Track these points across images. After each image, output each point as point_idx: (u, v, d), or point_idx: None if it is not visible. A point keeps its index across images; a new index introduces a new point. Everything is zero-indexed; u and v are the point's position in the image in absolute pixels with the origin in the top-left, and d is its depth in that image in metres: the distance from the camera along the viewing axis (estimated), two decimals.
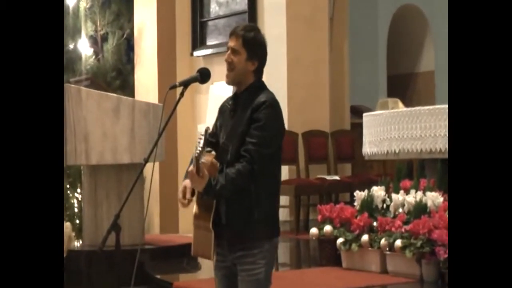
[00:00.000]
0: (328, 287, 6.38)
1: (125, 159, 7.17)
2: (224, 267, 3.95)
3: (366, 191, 6.81)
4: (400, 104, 10.55)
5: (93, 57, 11.51)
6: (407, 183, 6.81)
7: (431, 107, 6.86)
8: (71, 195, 10.91)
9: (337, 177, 9.29)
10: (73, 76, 10.24)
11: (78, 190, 10.72)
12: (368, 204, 6.68)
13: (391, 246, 6.24)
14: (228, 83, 3.94)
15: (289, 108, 9.47)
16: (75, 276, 7.07)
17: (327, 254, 6.86)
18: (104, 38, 11.68)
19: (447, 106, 6.53)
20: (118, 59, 11.66)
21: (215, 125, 4.06)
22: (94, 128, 7.13)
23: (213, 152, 3.90)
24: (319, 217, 6.98)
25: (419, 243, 5.98)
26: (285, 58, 9.56)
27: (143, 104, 7.48)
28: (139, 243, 6.87)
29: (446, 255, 5.70)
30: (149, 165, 3.96)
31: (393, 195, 6.57)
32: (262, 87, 3.94)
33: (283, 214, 9.31)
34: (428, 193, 6.35)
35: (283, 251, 8.47)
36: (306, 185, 9.11)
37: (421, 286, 6.03)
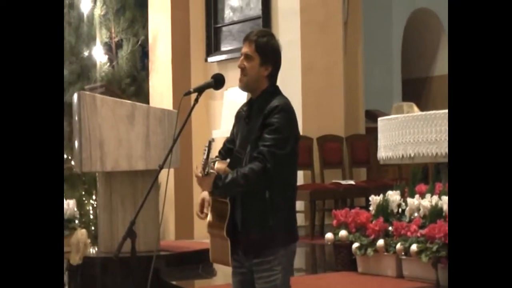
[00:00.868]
0: None
1: (140, 165, 7.19)
2: (240, 273, 3.96)
3: (381, 195, 6.79)
4: (415, 108, 10.51)
5: (108, 64, 11.55)
6: (422, 187, 6.79)
7: (446, 111, 6.83)
8: (86, 201, 10.94)
9: (352, 182, 9.28)
10: (88, 83, 10.30)
11: (94, 197, 10.75)
12: (384, 209, 6.67)
13: (406, 251, 6.23)
14: (242, 88, 3.95)
15: (303, 113, 9.46)
16: (90, 283, 7.09)
17: (343, 259, 6.85)
18: (119, 45, 11.72)
19: None
20: (133, 65, 11.70)
21: (232, 132, 4.07)
22: (109, 135, 7.15)
23: (227, 160, 3.91)
24: (334, 222, 6.97)
25: (435, 248, 5.96)
26: (299, 63, 9.56)
27: (158, 110, 7.49)
28: (155, 250, 6.87)
29: None
30: (164, 172, 3.96)
31: (409, 200, 6.55)
32: (276, 92, 3.94)
33: (299, 219, 9.21)
34: (444, 197, 6.33)
35: (299, 256, 8.42)
36: (321, 190, 9.10)
37: None
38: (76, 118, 7.17)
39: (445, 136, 6.67)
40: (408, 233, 6.28)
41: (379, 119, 7.72)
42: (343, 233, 6.77)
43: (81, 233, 7.35)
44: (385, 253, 6.45)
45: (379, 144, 7.55)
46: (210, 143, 3.70)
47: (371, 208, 6.84)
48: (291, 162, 3.89)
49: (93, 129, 7.17)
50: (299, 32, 9.62)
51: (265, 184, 3.78)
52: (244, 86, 3.92)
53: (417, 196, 6.58)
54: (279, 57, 3.96)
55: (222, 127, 10.07)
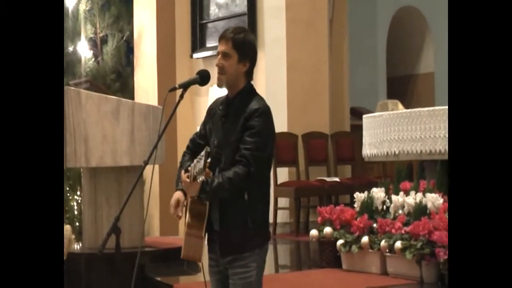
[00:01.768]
0: None
1: (125, 161, 7.17)
2: (217, 272, 3.99)
3: (366, 192, 6.81)
4: (400, 106, 10.54)
5: (93, 59, 11.52)
6: (407, 184, 6.81)
7: (430, 108, 6.86)
8: (71, 197, 10.91)
9: (337, 179, 9.30)
10: (72, 79, 10.26)
11: (78, 193, 10.72)
12: (368, 206, 6.68)
13: (391, 248, 6.24)
14: (220, 86, 3.94)
15: (289, 110, 9.48)
16: (75, 279, 7.07)
17: (327, 256, 6.86)
18: (104, 41, 11.69)
19: (446, 107, 6.53)
20: (118, 61, 11.67)
21: (204, 127, 4.06)
22: (93, 130, 7.12)
23: (208, 159, 3.91)
24: (319, 219, 6.98)
25: (419, 245, 5.98)
26: (284, 60, 9.56)
27: (143, 106, 7.47)
28: (139, 246, 6.86)
29: (446, 257, 5.70)
30: (149, 168, 3.96)
31: (393, 197, 6.57)
32: (253, 92, 3.94)
33: (283, 216, 9.32)
34: (428, 195, 6.35)
35: (283, 253, 8.47)
36: (306, 187, 9.11)
37: (421, 287, 6.03)
38: None
39: (429, 134, 6.69)
40: (393, 230, 6.30)
41: (364, 116, 7.74)
42: (327, 230, 6.79)
43: (66, 229, 7.31)
44: (370, 250, 6.47)
45: (364, 141, 7.57)
46: (207, 152, 3.70)
47: (355, 205, 6.85)
48: (269, 163, 3.92)
49: (78, 125, 7.14)
50: (284, 29, 9.61)
51: (246, 187, 3.80)
52: (223, 84, 3.92)
53: (401, 193, 6.60)
54: (255, 53, 3.97)
55: None
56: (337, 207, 6.96)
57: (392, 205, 6.55)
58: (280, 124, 9.06)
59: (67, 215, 10.62)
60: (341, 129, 10.10)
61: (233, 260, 3.88)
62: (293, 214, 8.99)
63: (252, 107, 3.84)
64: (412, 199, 6.42)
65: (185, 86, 3.94)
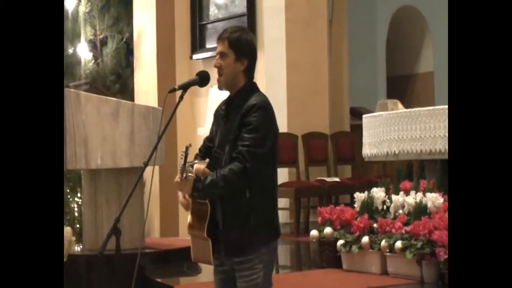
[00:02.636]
0: None
1: (125, 163, 7.16)
2: (221, 272, 3.96)
3: (366, 192, 6.81)
4: (400, 105, 10.54)
5: (92, 61, 11.51)
6: (407, 184, 6.82)
7: (430, 108, 6.86)
8: (71, 199, 10.91)
9: (337, 179, 9.30)
10: (72, 81, 10.25)
11: (78, 195, 10.71)
12: (368, 206, 6.69)
13: (391, 248, 6.25)
14: (220, 88, 3.94)
15: (288, 111, 9.48)
16: (75, 281, 7.07)
17: (328, 256, 6.86)
18: (103, 42, 11.68)
19: (446, 107, 6.54)
20: (117, 63, 11.66)
21: (211, 130, 4.06)
22: (93, 132, 7.12)
23: (206, 160, 3.91)
24: (319, 219, 6.98)
25: (419, 244, 5.98)
26: (284, 60, 9.56)
27: (143, 107, 7.47)
28: (139, 247, 6.85)
29: (446, 256, 5.70)
30: (149, 169, 3.96)
31: (393, 197, 6.57)
32: (253, 89, 3.92)
33: (283, 217, 9.32)
34: (428, 194, 6.35)
35: (284, 254, 8.47)
36: (306, 187, 9.11)
37: (421, 287, 6.03)
38: None
39: (429, 133, 6.70)
40: (393, 230, 6.30)
41: (363, 116, 7.74)
42: (328, 230, 6.79)
43: (66, 230, 7.31)
44: (370, 250, 6.47)
45: (363, 141, 7.57)
46: (187, 148, 3.69)
47: (355, 205, 6.85)
48: (270, 159, 3.89)
49: (78, 127, 7.14)
50: (284, 29, 9.62)
51: (245, 184, 3.78)
52: (223, 84, 3.91)
53: (401, 193, 6.60)
54: (254, 51, 3.95)
55: (207, 125, 10.06)
56: (337, 207, 6.97)
57: (392, 204, 6.55)
58: (280, 124, 8.91)
59: (68, 217, 10.62)
60: (341, 129, 10.10)
61: (238, 263, 3.86)
62: (293, 215, 8.99)
63: (249, 104, 3.82)
64: (412, 198, 6.42)
65: (185, 87, 3.94)
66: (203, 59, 10.76)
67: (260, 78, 9.29)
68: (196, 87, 4.06)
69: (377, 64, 13.10)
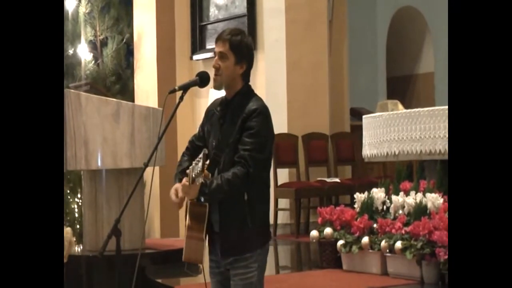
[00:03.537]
0: None
1: (125, 163, 7.17)
2: (218, 273, 3.99)
3: (366, 193, 6.82)
4: (400, 106, 10.54)
5: (93, 62, 11.52)
6: (407, 184, 6.82)
7: (430, 108, 6.87)
8: (71, 200, 10.92)
9: (337, 180, 9.30)
10: (72, 82, 10.27)
11: (79, 195, 10.73)
12: (368, 206, 6.69)
13: (391, 248, 6.25)
14: (216, 88, 3.93)
15: (289, 111, 9.49)
16: (75, 281, 7.07)
17: (328, 257, 6.87)
18: (104, 43, 11.69)
19: (446, 107, 6.54)
20: (118, 63, 11.67)
21: (202, 129, 4.06)
22: (94, 133, 7.13)
23: (206, 162, 3.91)
24: (320, 219, 6.99)
25: (419, 245, 5.99)
26: (284, 61, 9.57)
27: (143, 108, 7.48)
28: (140, 248, 6.87)
29: (446, 256, 5.70)
30: (149, 170, 3.97)
31: (393, 197, 6.58)
32: (250, 93, 3.94)
33: (284, 217, 9.33)
34: (428, 195, 6.36)
35: (284, 254, 8.48)
36: (306, 187, 9.12)
37: (421, 287, 6.03)
38: None
39: (429, 134, 6.70)
40: (393, 231, 6.30)
41: (363, 116, 7.74)
42: (328, 230, 6.79)
43: (66, 231, 7.32)
44: (370, 251, 6.48)
45: (363, 141, 7.57)
46: (205, 155, 3.69)
47: (356, 206, 6.86)
48: (268, 164, 3.93)
49: (78, 127, 7.15)
50: (284, 30, 9.62)
51: (245, 187, 3.80)
52: (219, 86, 3.91)
53: (401, 193, 6.60)
54: (252, 55, 3.97)
55: None
56: (337, 208, 6.97)
57: (392, 205, 6.56)
58: (280, 125, 9.07)
59: (68, 218, 10.63)
60: (341, 130, 10.11)
61: (234, 261, 3.88)
62: (294, 215, 9.00)
63: (250, 108, 3.83)
64: (412, 199, 6.43)
65: (185, 88, 3.94)
66: (203, 59, 10.77)
67: (261, 79, 9.30)
68: (196, 87, 4.06)
69: (377, 64, 13.10)
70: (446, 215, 5.98)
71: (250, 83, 3.99)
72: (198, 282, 7.00)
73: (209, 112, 4.04)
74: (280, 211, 9.23)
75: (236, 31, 3.95)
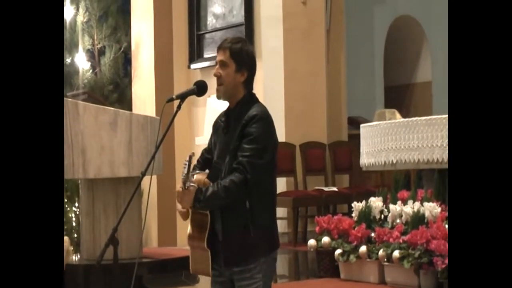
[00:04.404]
0: None
1: (123, 172, 7.16)
2: (219, 282, 3.95)
3: (364, 202, 6.82)
4: (397, 115, 10.56)
5: (90, 71, 11.53)
6: (404, 193, 6.82)
7: (428, 117, 6.87)
8: (69, 209, 10.91)
9: (335, 189, 9.30)
10: (70, 90, 10.27)
11: (76, 204, 10.72)
12: (366, 215, 6.69)
13: (389, 257, 6.25)
14: (219, 97, 3.93)
15: (286, 120, 9.49)
16: None
17: (325, 266, 6.86)
18: (101, 52, 11.70)
19: (444, 116, 6.55)
20: (115, 72, 11.68)
21: (210, 142, 4.06)
22: (91, 141, 7.12)
23: (206, 171, 3.90)
24: (317, 228, 6.98)
25: (417, 254, 5.99)
26: (282, 70, 9.57)
27: (141, 117, 7.48)
28: (137, 257, 6.84)
29: (444, 265, 5.70)
30: (146, 178, 3.96)
31: (391, 206, 6.58)
32: (253, 100, 3.92)
33: (281, 226, 9.31)
34: (426, 204, 6.36)
35: (282, 263, 8.46)
36: (304, 196, 9.11)
37: None
38: None
39: (427, 143, 6.70)
40: (391, 240, 6.30)
41: (361, 125, 7.75)
42: (325, 239, 6.79)
43: (64, 240, 7.32)
44: (368, 260, 6.47)
45: (361, 150, 7.57)
46: (190, 157, 3.68)
47: (353, 215, 6.86)
48: (270, 170, 3.91)
49: (76, 136, 7.14)
50: (282, 39, 9.63)
51: (245, 195, 3.78)
52: (222, 94, 3.91)
53: (399, 202, 6.61)
54: (254, 63, 3.95)
55: (205, 134, 10.07)
56: (335, 217, 6.97)
57: (390, 214, 6.56)
58: (278, 134, 8.90)
59: (65, 226, 10.60)
60: (339, 139, 10.11)
61: (238, 272, 3.84)
62: (291, 224, 8.98)
63: (250, 114, 3.82)
64: (410, 208, 6.43)
65: (183, 97, 3.94)
66: (201, 68, 10.78)
67: (258, 88, 9.26)
68: (194, 96, 4.06)
69: (375, 73, 13.10)
70: (444, 224, 5.98)
71: None
72: None
73: (216, 124, 4.04)
74: (278, 220, 9.15)
75: (236, 39, 3.95)
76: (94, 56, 11.65)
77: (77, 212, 10.60)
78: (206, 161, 4.03)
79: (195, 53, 11.05)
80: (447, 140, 6.34)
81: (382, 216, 6.67)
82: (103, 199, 7.35)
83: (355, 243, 6.56)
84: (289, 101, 9.56)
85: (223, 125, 3.95)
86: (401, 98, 13.42)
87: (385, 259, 6.29)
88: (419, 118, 6.92)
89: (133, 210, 7.01)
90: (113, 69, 11.63)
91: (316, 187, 9.35)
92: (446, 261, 5.68)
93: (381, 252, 6.30)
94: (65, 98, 7.46)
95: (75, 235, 10.32)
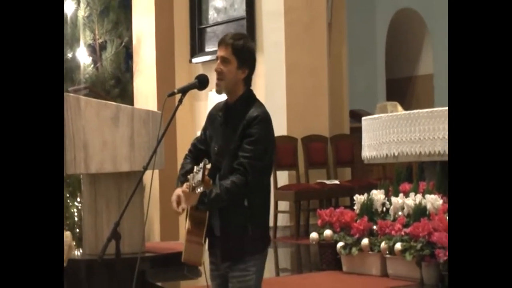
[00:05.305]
0: None
1: (125, 167, 7.16)
2: (218, 276, 4.00)
3: (365, 194, 6.82)
4: (399, 108, 10.54)
5: (92, 65, 11.53)
6: (406, 186, 6.82)
7: (429, 110, 6.87)
8: (71, 204, 10.91)
9: (336, 182, 9.30)
10: (71, 85, 10.28)
11: (78, 199, 10.73)
12: (368, 208, 6.69)
13: (391, 250, 6.25)
14: (219, 92, 3.94)
15: (288, 114, 9.49)
16: (75, 285, 7.07)
17: (328, 259, 6.87)
18: (103, 47, 11.70)
19: (445, 108, 6.55)
20: (117, 67, 11.68)
21: (204, 133, 4.06)
22: (93, 136, 7.12)
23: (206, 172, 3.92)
24: (319, 221, 6.99)
25: (419, 246, 5.99)
26: (283, 64, 9.57)
27: (142, 112, 7.47)
28: (139, 251, 6.86)
29: (446, 258, 5.71)
30: (148, 173, 3.97)
31: (393, 199, 6.58)
32: (252, 98, 3.94)
33: (283, 220, 9.33)
34: (428, 196, 6.36)
35: (284, 256, 8.48)
36: (306, 190, 9.12)
37: None
38: None
39: (428, 135, 6.70)
40: (393, 232, 6.30)
41: (363, 118, 7.75)
42: (327, 232, 6.79)
43: (66, 235, 7.31)
44: (370, 252, 6.48)
45: (363, 143, 7.57)
46: (205, 164, 3.71)
47: (355, 208, 6.86)
48: (268, 170, 3.93)
49: (77, 131, 7.14)
50: (283, 33, 9.63)
51: (245, 194, 3.81)
52: (222, 90, 3.92)
53: (401, 195, 6.61)
54: (254, 60, 3.97)
55: None
56: (337, 210, 6.97)
57: (391, 206, 6.56)
58: (280, 128, 9.07)
59: (67, 222, 10.62)
60: (341, 132, 10.11)
61: (232, 264, 3.89)
62: (293, 217, 8.99)
63: (251, 114, 3.84)
64: (411, 200, 6.43)
65: (184, 91, 3.95)
66: (203, 62, 10.77)
67: (260, 82, 9.29)
68: (195, 90, 4.07)
69: (377, 66, 13.10)
70: (446, 216, 5.98)
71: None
72: (198, 285, 7.01)
73: (212, 116, 4.04)
74: (280, 213, 9.23)
75: (238, 36, 3.95)
76: (96, 51, 11.65)
77: (79, 207, 10.61)
78: (198, 151, 4.03)
79: (197, 47, 11.04)
80: None
81: (384, 208, 6.67)
82: (105, 194, 7.35)
83: (357, 236, 6.56)
84: (291, 94, 9.56)
85: (220, 119, 3.95)
86: (403, 91, 13.42)
87: (387, 252, 6.30)
88: (420, 111, 6.91)
89: (135, 205, 7.01)
90: (115, 63, 11.63)
91: (318, 180, 9.35)
92: None
93: (383, 244, 6.31)
94: (66, 93, 7.45)
95: (77, 230, 10.33)
